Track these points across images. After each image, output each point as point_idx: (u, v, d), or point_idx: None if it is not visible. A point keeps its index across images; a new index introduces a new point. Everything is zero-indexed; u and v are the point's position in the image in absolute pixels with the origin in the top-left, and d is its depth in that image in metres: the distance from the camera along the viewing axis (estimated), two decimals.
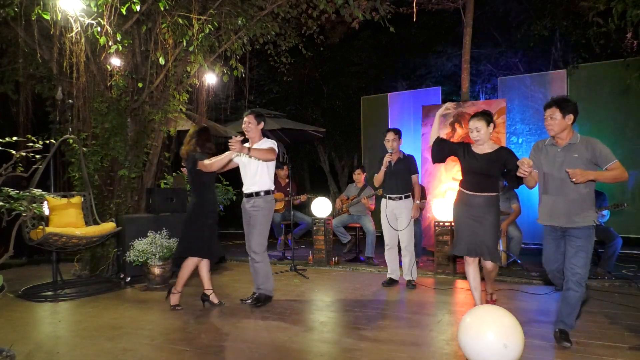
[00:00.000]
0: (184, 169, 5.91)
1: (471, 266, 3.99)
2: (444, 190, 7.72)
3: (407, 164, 5.41)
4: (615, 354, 3.13)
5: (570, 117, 3.38)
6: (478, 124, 3.84)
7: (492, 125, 3.85)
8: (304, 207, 8.85)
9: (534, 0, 9.46)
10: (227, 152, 4.16)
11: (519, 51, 10.44)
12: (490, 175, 3.88)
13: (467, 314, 2.92)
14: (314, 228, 6.97)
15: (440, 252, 6.01)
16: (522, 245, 6.43)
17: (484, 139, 3.86)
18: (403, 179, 5.39)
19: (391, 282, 5.52)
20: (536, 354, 3.14)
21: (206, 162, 4.28)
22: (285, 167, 7.88)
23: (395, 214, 5.41)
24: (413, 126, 8.66)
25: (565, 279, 3.36)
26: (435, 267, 6.06)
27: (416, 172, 5.48)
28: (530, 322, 3.85)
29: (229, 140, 3.98)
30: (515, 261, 6.19)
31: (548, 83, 7.69)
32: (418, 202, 5.45)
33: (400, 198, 5.38)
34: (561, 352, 3.19)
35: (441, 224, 6.04)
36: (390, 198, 5.43)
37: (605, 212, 5.68)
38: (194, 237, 4.38)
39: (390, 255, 5.55)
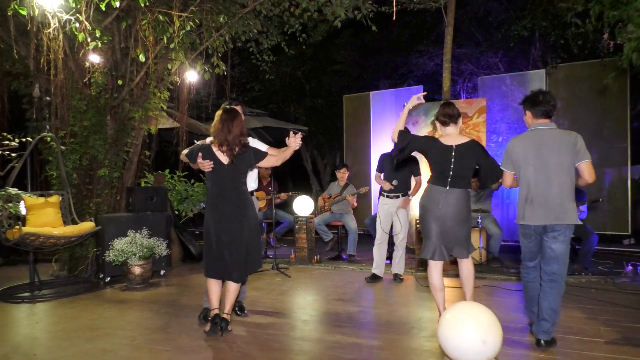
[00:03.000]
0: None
1: (437, 268, 3.64)
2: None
3: (410, 165, 5.55)
4: (592, 348, 3.19)
5: (528, 112, 3.52)
6: None
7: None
8: (286, 206, 8.83)
9: (514, 1, 9.59)
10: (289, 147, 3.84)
11: (499, 51, 10.58)
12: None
13: (446, 311, 2.95)
14: (296, 226, 6.96)
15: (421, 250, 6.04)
16: (502, 243, 6.51)
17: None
18: (403, 178, 5.55)
19: (374, 278, 5.59)
20: (514, 349, 3.19)
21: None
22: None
23: (391, 212, 5.53)
24: (395, 125, 8.69)
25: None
26: (416, 264, 6.10)
27: (419, 173, 5.62)
28: (508, 318, 3.91)
29: (296, 135, 3.78)
30: (495, 258, 6.28)
31: (527, 82, 7.80)
32: (412, 197, 5.60)
33: (398, 197, 5.54)
34: (538, 347, 3.24)
35: None
36: (388, 196, 5.57)
37: (582, 207, 5.80)
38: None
39: (379, 250, 5.65)
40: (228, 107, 3.67)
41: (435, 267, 3.60)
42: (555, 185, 3.26)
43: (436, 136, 3.75)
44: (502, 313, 3.94)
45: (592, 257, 5.74)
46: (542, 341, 3.23)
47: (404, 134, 3.73)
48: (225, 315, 3.60)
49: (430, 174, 3.74)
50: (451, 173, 3.53)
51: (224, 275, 3.59)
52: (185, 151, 3.73)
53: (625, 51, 4.25)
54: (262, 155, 3.75)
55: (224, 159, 3.56)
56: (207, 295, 3.80)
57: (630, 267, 5.56)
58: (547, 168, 3.28)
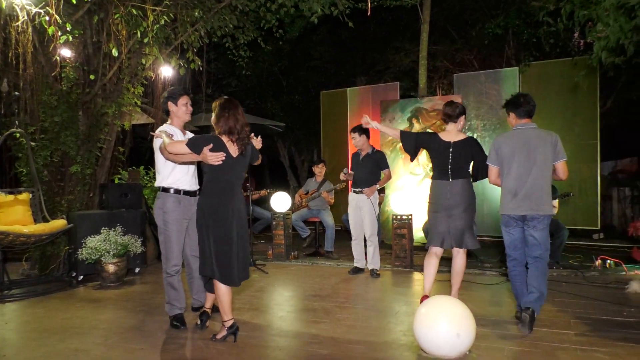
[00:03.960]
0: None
1: (437, 255, 4.06)
2: (401, 184, 7.85)
3: (376, 159, 5.60)
4: (563, 340, 3.27)
5: (511, 114, 3.78)
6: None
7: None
8: (264, 202, 8.79)
9: None
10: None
11: (474, 48, 10.72)
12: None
13: (422, 305, 2.99)
14: (274, 223, 6.94)
15: (398, 245, 6.10)
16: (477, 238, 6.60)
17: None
18: (370, 174, 5.60)
19: (357, 271, 5.79)
20: (488, 342, 3.25)
21: None
22: None
23: (360, 207, 5.62)
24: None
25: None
26: (393, 259, 6.15)
27: (387, 167, 5.67)
28: (482, 312, 3.97)
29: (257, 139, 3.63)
30: (470, 253, 6.36)
31: (501, 80, 7.92)
32: (378, 186, 5.64)
33: (362, 192, 5.53)
34: (511, 340, 3.31)
35: (399, 217, 6.13)
36: (355, 191, 5.66)
37: (554, 202, 5.92)
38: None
39: (356, 246, 5.82)
40: (226, 97, 3.44)
41: (436, 254, 4.03)
42: (537, 179, 3.56)
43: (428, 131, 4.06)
44: (476, 307, 4.00)
45: (562, 251, 5.88)
46: (525, 309, 3.43)
47: (405, 135, 4.15)
48: (207, 310, 3.68)
49: (431, 169, 4.10)
50: (450, 167, 3.91)
51: (246, 275, 3.40)
52: (163, 137, 3.37)
53: (595, 50, 4.35)
54: (257, 155, 3.65)
55: (234, 151, 3.29)
56: (176, 301, 3.74)
57: (599, 261, 5.71)
58: (530, 164, 3.58)
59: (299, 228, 7.48)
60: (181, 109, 3.81)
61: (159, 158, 3.70)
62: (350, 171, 5.75)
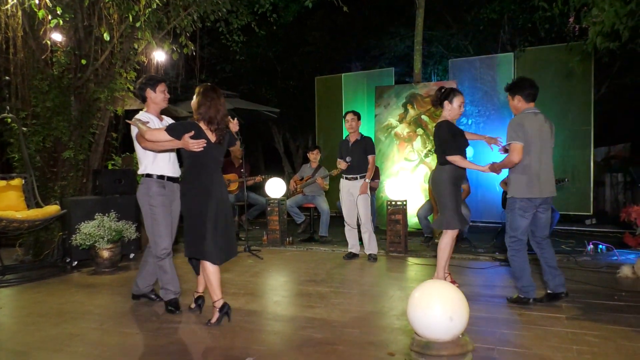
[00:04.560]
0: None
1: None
2: (396, 170, 7.86)
3: (364, 145, 5.59)
4: (554, 324, 3.31)
5: (517, 97, 3.80)
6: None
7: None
8: (258, 188, 8.78)
9: None
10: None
11: (469, 33, 10.66)
12: None
13: (416, 289, 3.01)
14: (268, 209, 6.95)
15: (392, 231, 6.13)
16: (470, 224, 6.65)
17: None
18: (360, 160, 5.61)
19: (352, 256, 5.82)
20: (480, 325, 3.28)
21: None
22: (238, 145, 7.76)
23: (352, 193, 5.62)
24: (367, 107, 8.73)
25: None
26: (387, 245, 6.18)
27: (373, 152, 5.70)
28: (475, 296, 4.01)
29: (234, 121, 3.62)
30: (463, 238, 6.41)
31: (496, 65, 7.90)
32: (368, 180, 5.61)
33: (356, 178, 5.61)
34: (503, 323, 3.35)
35: (394, 203, 6.15)
36: (347, 178, 5.63)
37: None
38: None
39: (350, 232, 5.84)
40: (209, 84, 3.49)
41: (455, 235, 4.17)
42: (550, 162, 3.76)
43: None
44: (469, 291, 4.04)
45: (555, 236, 5.93)
46: (560, 294, 3.76)
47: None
48: (202, 294, 3.74)
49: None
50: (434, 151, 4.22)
51: (229, 256, 3.49)
52: (138, 125, 3.39)
53: (590, 35, 4.35)
54: (234, 139, 3.67)
55: (212, 137, 3.34)
56: (169, 284, 3.75)
57: (591, 246, 5.77)
58: (546, 147, 3.71)
59: (294, 214, 7.49)
60: (159, 95, 3.79)
61: (139, 146, 3.67)
62: (347, 159, 5.65)
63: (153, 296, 4.04)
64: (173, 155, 3.86)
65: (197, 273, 3.63)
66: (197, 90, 3.41)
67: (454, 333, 2.56)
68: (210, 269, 3.33)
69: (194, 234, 3.34)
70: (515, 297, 3.83)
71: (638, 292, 4.13)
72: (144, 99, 3.80)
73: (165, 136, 3.26)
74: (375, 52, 11.81)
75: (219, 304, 3.37)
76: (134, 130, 3.61)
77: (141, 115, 3.67)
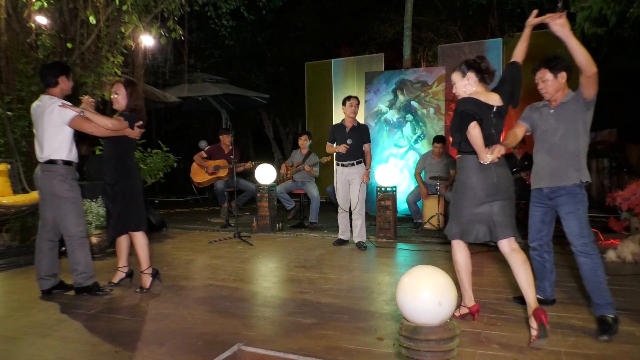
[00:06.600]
0: None
1: None
2: (386, 156, 7.88)
3: (360, 132, 5.58)
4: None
5: (563, 74, 3.29)
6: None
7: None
8: (248, 175, 8.76)
9: None
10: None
11: (459, 19, 10.64)
12: None
13: (405, 275, 3.02)
14: (258, 195, 6.94)
15: (382, 217, 6.15)
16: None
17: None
18: (356, 146, 5.57)
19: (341, 242, 5.83)
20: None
21: None
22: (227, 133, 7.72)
23: (348, 180, 5.61)
24: (356, 92, 8.70)
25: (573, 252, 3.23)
26: (377, 230, 6.21)
27: (369, 141, 5.69)
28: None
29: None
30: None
31: (485, 51, 7.89)
32: (369, 169, 5.65)
33: (353, 164, 5.58)
34: (489, 308, 3.39)
35: (383, 189, 6.17)
36: (342, 165, 5.58)
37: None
38: None
39: (342, 219, 5.81)
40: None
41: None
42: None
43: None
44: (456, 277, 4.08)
45: None
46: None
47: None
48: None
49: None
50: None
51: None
52: (90, 110, 3.70)
53: (578, 20, 4.36)
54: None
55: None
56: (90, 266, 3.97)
57: None
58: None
59: (284, 200, 7.49)
60: (71, 84, 3.84)
61: (62, 131, 3.67)
62: (348, 142, 5.48)
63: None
64: None
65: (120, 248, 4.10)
66: (119, 83, 3.86)
67: (443, 318, 2.58)
68: (141, 239, 3.92)
69: (141, 209, 3.90)
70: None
71: (623, 275, 4.21)
72: (54, 84, 3.71)
73: (123, 124, 3.71)
74: (365, 38, 11.75)
75: (148, 271, 3.92)
76: (66, 114, 3.61)
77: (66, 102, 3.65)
